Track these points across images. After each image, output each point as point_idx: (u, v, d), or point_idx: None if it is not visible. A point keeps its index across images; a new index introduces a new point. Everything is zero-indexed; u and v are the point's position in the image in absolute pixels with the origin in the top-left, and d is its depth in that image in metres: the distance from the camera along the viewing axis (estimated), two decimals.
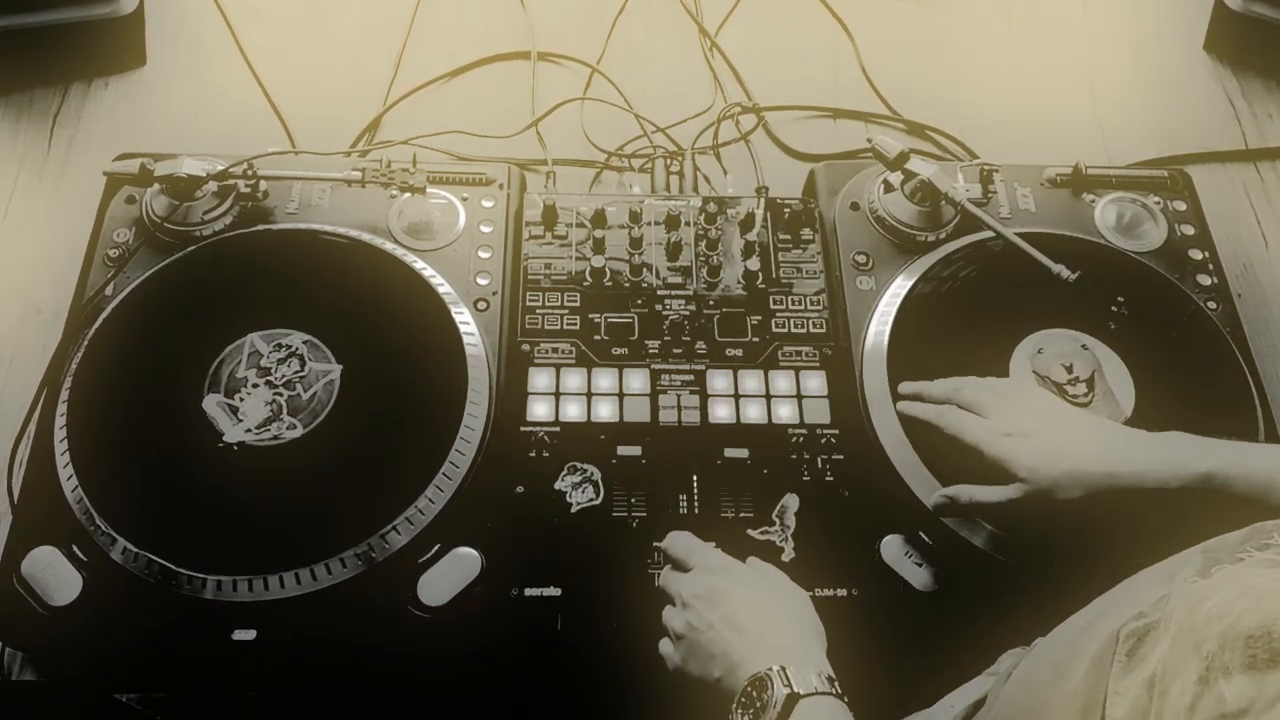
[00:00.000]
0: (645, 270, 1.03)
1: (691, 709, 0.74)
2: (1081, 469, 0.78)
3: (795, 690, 0.66)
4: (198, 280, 0.98)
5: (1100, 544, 0.78)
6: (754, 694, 0.68)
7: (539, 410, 0.94)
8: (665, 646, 0.78)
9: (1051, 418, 0.84)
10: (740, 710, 0.68)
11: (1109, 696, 0.48)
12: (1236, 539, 0.53)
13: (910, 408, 0.91)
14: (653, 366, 0.97)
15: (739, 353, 0.98)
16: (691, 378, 0.97)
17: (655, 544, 0.87)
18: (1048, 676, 0.55)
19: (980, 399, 0.87)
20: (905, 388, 0.93)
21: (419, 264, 1.00)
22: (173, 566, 0.83)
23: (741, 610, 0.74)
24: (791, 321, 1.01)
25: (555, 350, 0.98)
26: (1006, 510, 0.81)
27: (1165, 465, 0.76)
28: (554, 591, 0.85)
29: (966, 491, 0.84)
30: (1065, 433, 0.82)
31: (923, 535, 0.88)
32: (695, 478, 0.91)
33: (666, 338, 0.99)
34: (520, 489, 0.90)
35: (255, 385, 0.92)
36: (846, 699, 0.68)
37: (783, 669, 0.67)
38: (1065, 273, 0.94)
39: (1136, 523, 0.76)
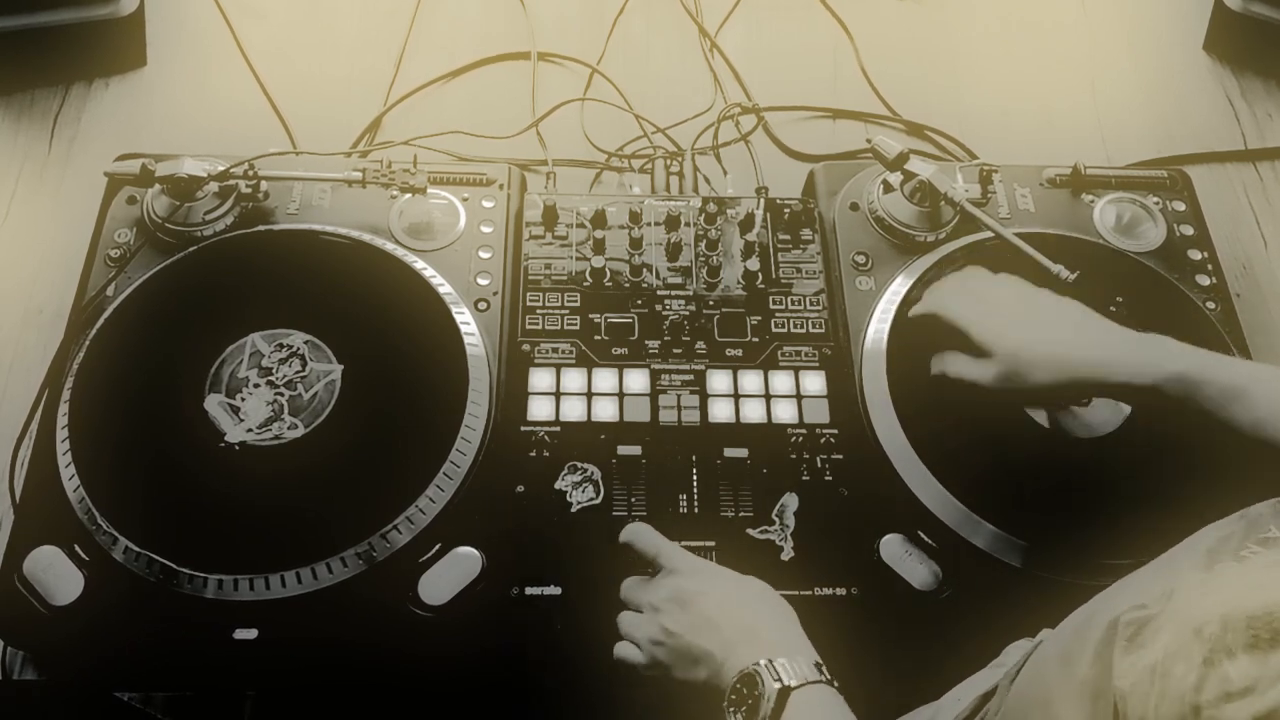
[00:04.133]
0: (645, 270, 1.03)
1: (679, 711, 0.74)
2: (1052, 353, 0.83)
3: (786, 684, 0.66)
4: (199, 281, 0.98)
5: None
6: (745, 691, 0.68)
7: (539, 410, 0.94)
8: (626, 650, 0.78)
9: (1037, 305, 0.89)
10: (732, 709, 0.68)
11: (1115, 681, 0.48)
12: (1238, 534, 0.54)
13: (919, 307, 0.95)
14: (653, 366, 0.97)
15: (739, 353, 0.99)
16: (691, 378, 0.97)
17: (621, 539, 0.85)
18: (1056, 668, 0.56)
19: (980, 288, 0.92)
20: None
21: (419, 264, 1.00)
22: (174, 566, 0.83)
23: (716, 609, 0.74)
24: (791, 321, 1.01)
25: (555, 350, 0.98)
26: (984, 385, 0.85)
27: (1136, 359, 0.80)
28: (554, 591, 0.86)
29: (953, 364, 0.89)
30: (1046, 320, 0.87)
31: (922, 535, 0.89)
32: (695, 477, 0.91)
33: (666, 338, 0.99)
34: (521, 489, 0.90)
35: (256, 385, 0.92)
36: (836, 683, 0.68)
37: (770, 662, 0.68)
38: (1064, 273, 0.94)
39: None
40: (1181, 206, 1.11)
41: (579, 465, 0.91)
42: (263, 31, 1.36)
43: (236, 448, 0.89)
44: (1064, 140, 1.31)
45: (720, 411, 0.95)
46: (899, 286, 1.01)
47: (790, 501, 0.90)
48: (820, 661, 0.69)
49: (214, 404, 0.91)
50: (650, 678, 0.76)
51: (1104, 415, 0.93)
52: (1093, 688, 0.50)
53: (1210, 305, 1.03)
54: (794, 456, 0.93)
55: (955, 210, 1.05)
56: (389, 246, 1.01)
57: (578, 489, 0.90)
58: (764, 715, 0.66)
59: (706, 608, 0.74)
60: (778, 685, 0.66)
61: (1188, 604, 0.49)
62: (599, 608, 0.85)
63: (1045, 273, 0.95)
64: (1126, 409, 0.94)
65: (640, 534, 0.83)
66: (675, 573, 0.79)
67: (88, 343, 0.94)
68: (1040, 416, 0.94)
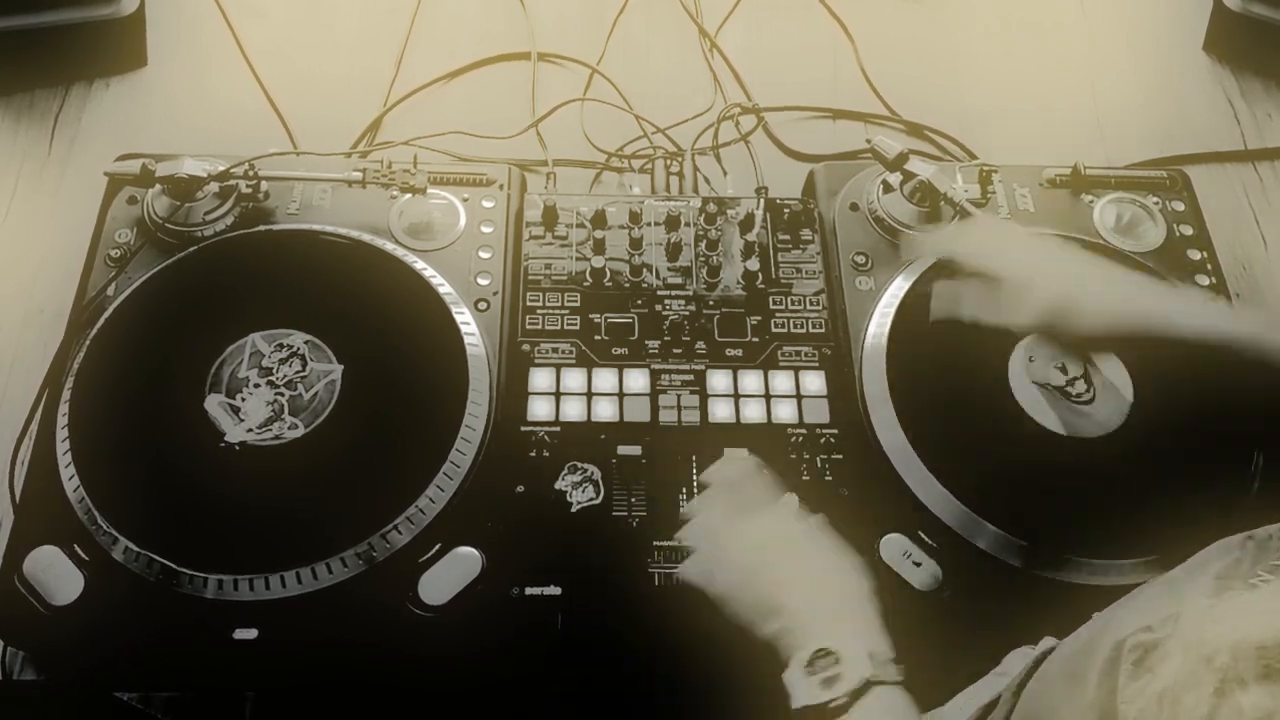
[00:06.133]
0: (645, 270, 1.03)
1: (712, 628, 0.75)
2: (1102, 305, 0.81)
3: (875, 675, 0.67)
4: (199, 281, 0.98)
5: None
6: (824, 663, 0.68)
7: (539, 410, 0.94)
8: (688, 569, 0.79)
9: (1066, 252, 0.90)
10: (807, 672, 0.68)
11: (1121, 705, 0.48)
12: (1247, 559, 0.53)
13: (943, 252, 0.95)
14: (653, 366, 0.97)
15: (739, 353, 0.99)
16: (691, 378, 0.97)
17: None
18: (1061, 688, 0.55)
19: (1003, 237, 0.94)
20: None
21: (420, 264, 1.00)
22: (174, 566, 0.83)
23: (795, 574, 0.75)
24: (791, 321, 1.01)
25: (555, 350, 0.98)
26: (1018, 328, 0.85)
27: (1197, 319, 0.79)
28: (554, 591, 0.86)
29: (981, 308, 0.87)
30: (1090, 269, 0.87)
31: (923, 535, 0.89)
32: (695, 477, 0.91)
33: (666, 338, 0.99)
34: (520, 489, 0.90)
35: (257, 385, 0.92)
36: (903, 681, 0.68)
37: (867, 650, 0.68)
38: None
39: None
40: (1181, 206, 1.11)
41: (579, 465, 0.91)
42: (263, 31, 1.36)
43: (236, 448, 0.89)
44: (1064, 140, 1.31)
45: (720, 411, 0.95)
46: (899, 287, 1.01)
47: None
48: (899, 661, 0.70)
49: (214, 404, 0.91)
50: (712, 595, 0.76)
51: (1105, 414, 0.93)
52: (1099, 711, 0.50)
53: None
54: (794, 456, 0.93)
55: (955, 210, 1.05)
56: (389, 246, 1.01)
57: (578, 489, 0.90)
58: (842, 694, 0.66)
59: (795, 565, 0.76)
60: (866, 673, 0.66)
61: (1196, 631, 0.48)
62: (599, 608, 0.85)
63: None
64: (1128, 407, 0.94)
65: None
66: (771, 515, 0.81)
67: (88, 343, 0.94)
68: (1047, 419, 0.93)
